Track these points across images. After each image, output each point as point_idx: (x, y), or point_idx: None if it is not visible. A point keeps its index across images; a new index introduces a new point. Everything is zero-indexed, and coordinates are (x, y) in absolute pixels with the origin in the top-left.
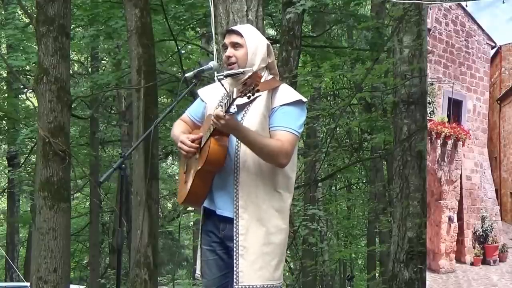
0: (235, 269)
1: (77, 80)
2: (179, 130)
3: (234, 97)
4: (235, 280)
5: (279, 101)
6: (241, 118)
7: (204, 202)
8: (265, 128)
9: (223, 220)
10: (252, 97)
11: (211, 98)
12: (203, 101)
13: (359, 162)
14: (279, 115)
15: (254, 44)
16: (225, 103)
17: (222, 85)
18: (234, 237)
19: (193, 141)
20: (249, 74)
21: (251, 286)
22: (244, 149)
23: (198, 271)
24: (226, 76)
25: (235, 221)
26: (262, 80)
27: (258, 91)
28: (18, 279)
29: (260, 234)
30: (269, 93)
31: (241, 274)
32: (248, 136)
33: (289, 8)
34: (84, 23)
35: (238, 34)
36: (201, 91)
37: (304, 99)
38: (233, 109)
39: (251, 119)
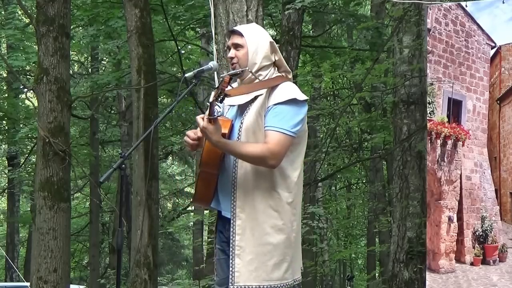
0: (231, 269)
1: (77, 80)
2: None
3: (210, 101)
4: (230, 280)
5: (273, 100)
6: (242, 118)
7: (212, 203)
8: (262, 127)
9: (227, 220)
10: (223, 101)
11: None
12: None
13: (359, 162)
14: (271, 115)
15: (254, 43)
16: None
17: (217, 87)
18: (231, 237)
19: (199, 138)
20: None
21: (246, 287)
22: None
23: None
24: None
25: (232, 221)
26: (266, 78)
27: (226, 95)
28: (18, 279)
29: (256, 234)
30: (267, 91)
31: (237, 274)
32: (227, 145)
33: (288, 5)
34: (84, 23)
35: (239, 34)
36: None
37: (301, 97)
38: (217, 112)
39: (248, 119)
